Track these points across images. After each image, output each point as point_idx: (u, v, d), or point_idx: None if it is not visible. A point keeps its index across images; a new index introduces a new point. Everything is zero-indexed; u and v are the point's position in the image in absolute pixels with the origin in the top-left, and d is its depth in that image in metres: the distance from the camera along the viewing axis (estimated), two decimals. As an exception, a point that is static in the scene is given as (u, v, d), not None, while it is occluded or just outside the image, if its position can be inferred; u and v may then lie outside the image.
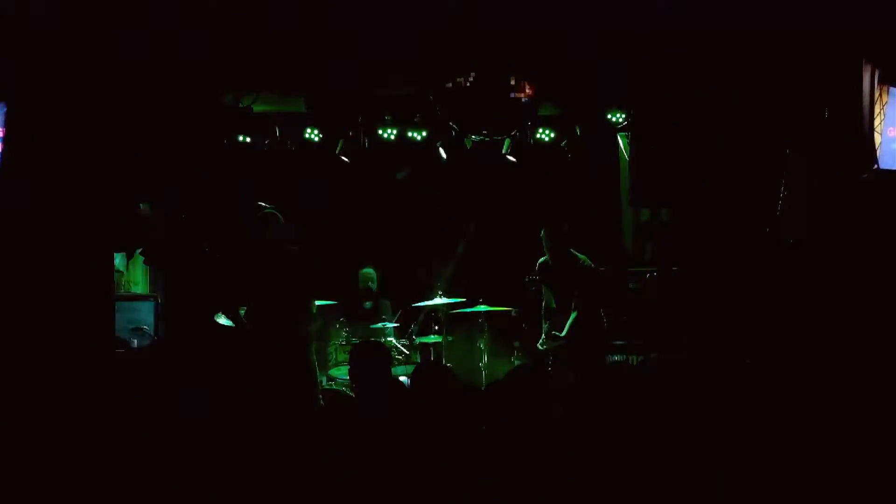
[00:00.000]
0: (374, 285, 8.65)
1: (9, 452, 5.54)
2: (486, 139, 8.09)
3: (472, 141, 8.08)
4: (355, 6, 6.09)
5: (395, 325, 8.26)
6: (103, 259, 6.81)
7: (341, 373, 7.58)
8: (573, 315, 6.92)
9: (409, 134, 8.30)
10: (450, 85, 7.17)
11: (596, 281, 7.12)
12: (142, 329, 7.49)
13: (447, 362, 8.07)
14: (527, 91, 6.82)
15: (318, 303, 6.95)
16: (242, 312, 6.52)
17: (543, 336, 7.20)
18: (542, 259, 7.26)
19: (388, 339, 8.07)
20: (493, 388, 4.71)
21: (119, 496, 4.89)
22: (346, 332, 8.02)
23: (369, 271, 8.68)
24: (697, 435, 4.54)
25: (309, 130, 8.07)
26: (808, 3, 6.07)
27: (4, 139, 6.33)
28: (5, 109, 6.28)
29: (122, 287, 7.90)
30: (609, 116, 8.00)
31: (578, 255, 7.11)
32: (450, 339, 8.25)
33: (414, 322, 8.47)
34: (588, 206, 9.18)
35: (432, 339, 8.25)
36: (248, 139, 7.86)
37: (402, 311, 8.46)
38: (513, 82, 6.85)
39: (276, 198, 7.51)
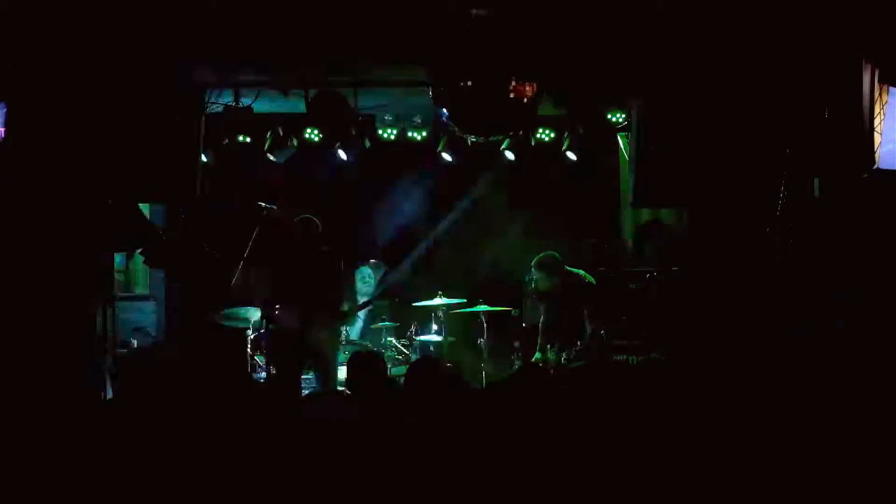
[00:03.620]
0: (373, 282, 8.66)
1: (8, 452, 5.53)
2: (486, 139, 8.08)
3: (472, 141, 8.07)
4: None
5: (394, 324, 8.27)
6: (103, 259, 6.81)
7: (341, 373, 7.58)
8: (588, 332, 7.00)
9: (409, 134, 8.32)
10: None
11: (598, 295, 7.20)
12: (142, 329, 7.49)
13: (447, 362, 8.08)
14: (527, 91, 6.79)
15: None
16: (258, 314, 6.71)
17: (540, 354, 7.27)
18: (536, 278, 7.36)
19: (388, 338, 8.08)
20: (494, 387, 4.71)
21: (119, 496, 4.88)
22: (345, 331, 8.02)
23: (367, 270, 8.69)
24: (698, 436, 4.53)
25: (309, 130, 8.07)
26: (808, 2, 6.08)
27: (4, 139, 6.33)
28: (5, 109, 6.29)
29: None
30: (609, 116, 8.01)
31: (576, 271, 7.20)
32: (450, 339, 8.25)
33: (414, 322, 8.47)
34: (588, 206, 9.20)
35: (432, 338, 8.24)
36: (248, 139, 7.86)
37: (401, 311, 8.49)
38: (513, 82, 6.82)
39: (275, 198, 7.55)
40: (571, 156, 8.20)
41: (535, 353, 7.40)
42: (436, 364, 4.95)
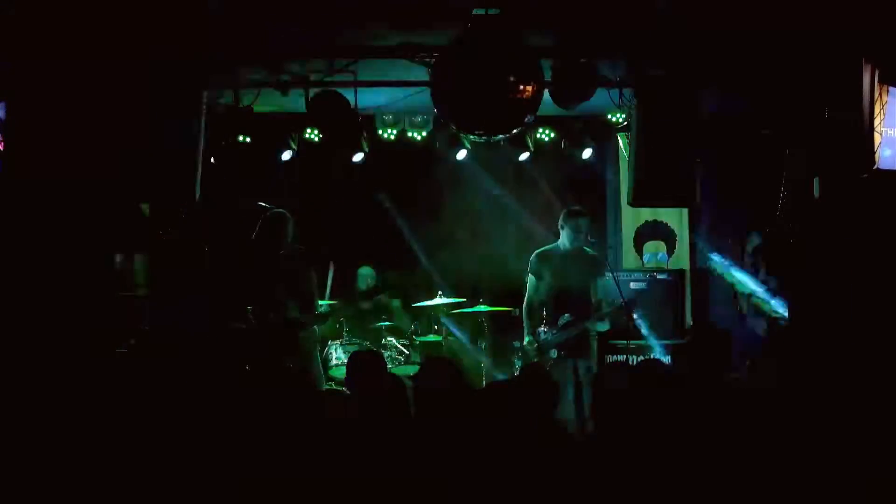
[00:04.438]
0: (372, 283, 8.66)
1: (9, 452, 5.53)
2: (485, 139, 8.08)
3: (472, 140, 8.07)
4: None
5: (392, 324, 8.28)
6: (103, 259, 6.81)
7: (341, 373, 7.59)
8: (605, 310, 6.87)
9: (409, 134, 8.32)
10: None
11: (604, 272, 7.06)
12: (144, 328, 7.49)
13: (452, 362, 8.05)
14: (527, 90, 6.78)
15: (322, 303, 7.03)
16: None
17: (531, 337, 7.04)
18: (546, 248, 7.10)
19: (388, 338, 8.08)
20: (496, 386, 4.71)
21: (118, 496, 4.88)
22: (346, 332, 8.03)
23: (368, 270, 8.70)
24: (697, 436, 4.53)
25: (309, 130, 8.07)
26: (808, 3, 6.08)
27: (4, 139, 6.33)
28: (5, 109, 6.29)
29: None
30: (609, 116, 8.01)
31: (588, 248, 7.07)
32: (450, 339, 8.25)
33: (414, 322, 8.48)
34: (588, 206, 9.19)
35: (432, 338, 8.24)
36: (248, 139, 7.85)
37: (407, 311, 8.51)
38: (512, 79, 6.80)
39: (276, 198, 7.54)
40: (586, 153, 8.19)
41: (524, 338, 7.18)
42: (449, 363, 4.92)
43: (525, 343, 7.09)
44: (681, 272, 8.43)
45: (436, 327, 8.30)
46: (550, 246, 7.13)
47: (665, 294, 8.13)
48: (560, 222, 7.02)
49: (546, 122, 8.14)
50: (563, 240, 7.00)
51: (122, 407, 6.03)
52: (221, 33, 6.37)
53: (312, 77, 6.94)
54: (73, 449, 5.54)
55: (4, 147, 6.30)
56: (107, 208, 6.62)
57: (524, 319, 7.16)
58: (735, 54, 6.51)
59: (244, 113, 7.57)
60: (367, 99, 7.25)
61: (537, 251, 7.14)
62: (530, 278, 7.13)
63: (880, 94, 6.12)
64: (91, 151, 6.32)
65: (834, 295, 6.50)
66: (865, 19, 6.08)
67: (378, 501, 3.88)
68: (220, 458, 4.82)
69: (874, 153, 6.16)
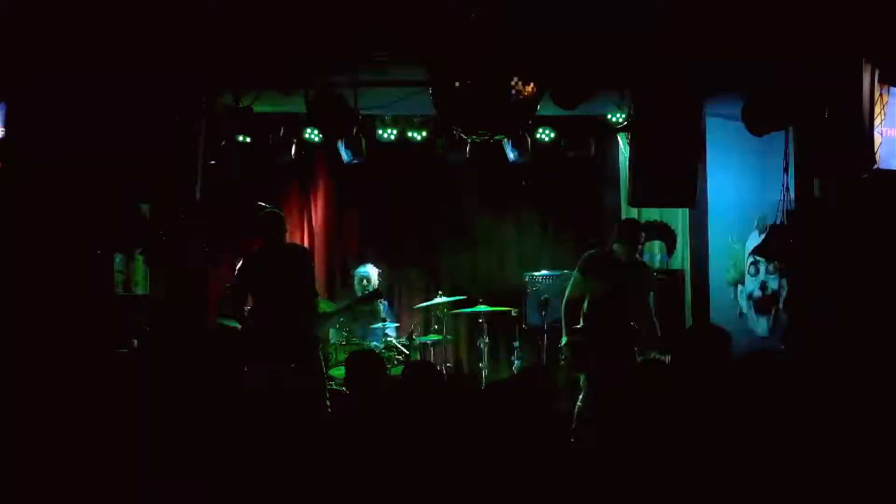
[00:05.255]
0: (371, 285, 8.66)
1: (9, 452, 5.53)
2: (486, 139, 8.06)
3: (472, 141, 8.05)
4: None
5: (396, 324, 8.27)
6: (103, 258, 6.82)
7: (341, 373, 7.59)
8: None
9: (409, 134, 8.32)
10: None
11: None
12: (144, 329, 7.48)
13: (447, 362, 8.08)
14: (527, 90, 6.77)
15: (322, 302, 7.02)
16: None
17: (571, 336, 6.83)
18: (598, 251, 6.93)
19: (388, 338, 8.08)
20: (495, 386, 4.71)
21: (119, 496, 4.89)
22: (346, 332, 8.03)
23: (365, 271, 8.69)
24: (701, 436, 4.53)
25: (309, 130, 8.07)
26: (808, 3, 6.09)
27: (4, 139, 6.34)
28: (5, 109, 6.30)
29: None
30: (609, 116, 8.01)
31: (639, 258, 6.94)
32: (450, 338, 8.25)
33: (414, 322, 8.48)
34: (588, 206, 9.20)
35: (432, 338, 8.24)
36: (248, 139, 7.85)
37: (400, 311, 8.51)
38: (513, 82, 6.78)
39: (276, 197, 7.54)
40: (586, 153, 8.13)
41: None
42: (431, 367, 4.95)
43: (562, 344, 6.88)
44: (680, 272, 8.43)
45: (436, 327, 8.30)
46: (604, 251, 6.92)
47: (664, 294, 8.10)
48: (617, 233, 6.81)
49: (546, 122, 8.14)
50: (618, 248, 6.78)
51: (122, 406, 6.04)
52: (223, 36, 6.37)
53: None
54: (73, 447, 5.54)
55: (4, 147, 6.31)
56: (106, 208, 6.63)
57: (563, 317, 6.92)
58: (735, 54, 6.51)
59: (244, 113, 7.57)
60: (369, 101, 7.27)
61: (591, 252, 6.90)
62: (576, 276, 6.89)
63: (880, 95, 6.12)
64: (91, 151, 6.33)
65: (834, 294, 6.50)
66: (865, 19, 6.09)
67: (377, 501, 3.88)
68: (220, 458, 4.83)
69: (874, 153, 6.16)
